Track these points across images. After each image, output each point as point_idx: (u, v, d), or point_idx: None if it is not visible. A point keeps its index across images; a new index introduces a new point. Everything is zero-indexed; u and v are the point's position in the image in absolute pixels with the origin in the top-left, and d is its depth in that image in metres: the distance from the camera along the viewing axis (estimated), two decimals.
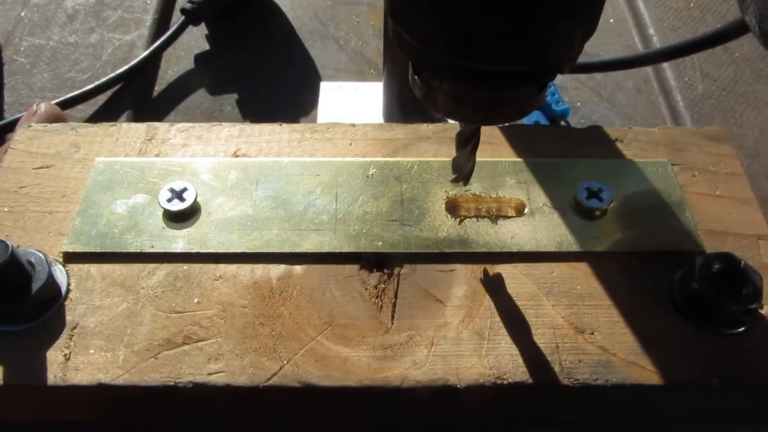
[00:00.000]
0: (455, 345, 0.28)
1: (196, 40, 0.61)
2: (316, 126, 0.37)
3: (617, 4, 0.64)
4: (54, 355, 0.28)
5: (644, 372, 0.28)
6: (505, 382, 0.27)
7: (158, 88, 0.58)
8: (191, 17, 0.57)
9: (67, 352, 0.28)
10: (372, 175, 0.34)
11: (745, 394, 0.29)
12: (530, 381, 0.27)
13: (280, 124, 0.37)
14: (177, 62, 0.59)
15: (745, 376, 0.28)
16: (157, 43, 0.56)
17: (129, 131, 0.36)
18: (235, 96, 0.57)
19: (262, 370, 0.27)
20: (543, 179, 0.34)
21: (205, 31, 0.62)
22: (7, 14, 0.62)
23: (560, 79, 0.57)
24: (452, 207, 0.33)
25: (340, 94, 0.52)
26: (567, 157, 0.35)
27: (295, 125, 0.37)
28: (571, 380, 0.27)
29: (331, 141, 0.36)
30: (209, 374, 0.27)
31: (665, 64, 0.58)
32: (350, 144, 0.36)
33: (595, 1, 0.21)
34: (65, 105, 0.52)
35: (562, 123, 0.53)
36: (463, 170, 0.30)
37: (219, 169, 0.34)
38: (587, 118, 0.56)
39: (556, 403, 0.29)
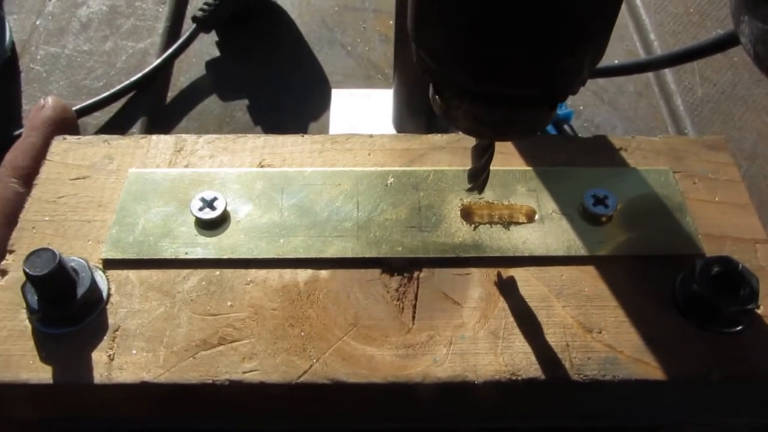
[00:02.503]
0: (472, 344, 0.30)
1: (207, 47, 0.62)
2: (336, 137, 0.38)
3: None
4: (99, 356, 0.29)
5: (649, 368, 0.29)
6: (519, 378, 0.29)
7: (171, 95, 0.59)
8: (202, 25, 0.59)
9: (111, 353, 0.29)
10: (390, 183, 0.36)
11: (743, 388, 0.31)
12: (543, 377, 0.29)
13: (302, 136, 0.38)
14: (189, 69, 0.61)
15: (743, 372, 0.30)
16: (170, 50, 0.58)
17: (159, 143, 0.38)
18: (246, 102, 0.58)
19: (293, 369, 0.29)
20: (552, 187, 0.36)
21: (216, 39, 0.63)
22: (23, 23, 0.63)
23: None
24: (467, 214, 0.35)
25: (351, 101, 0.54)
26: (574, 166, 0.37)
27: (316, 136, 0.38)
28: (581, 376, 0.29)
29: (351, 151, 0.38)
30: (244, 372, 0.29)
31: (666, 69, 0.59)
32: (369, 154, 0.38)
33: (607, 29, 0.23)
34: (82, 112, 0.53)
35: (566, 126, 0.54)
36: (478, 180, 0.31)
37: (246, 179, 0.36)
38: (590, 122, 0.58)
39: (567, 397, 0.31)
